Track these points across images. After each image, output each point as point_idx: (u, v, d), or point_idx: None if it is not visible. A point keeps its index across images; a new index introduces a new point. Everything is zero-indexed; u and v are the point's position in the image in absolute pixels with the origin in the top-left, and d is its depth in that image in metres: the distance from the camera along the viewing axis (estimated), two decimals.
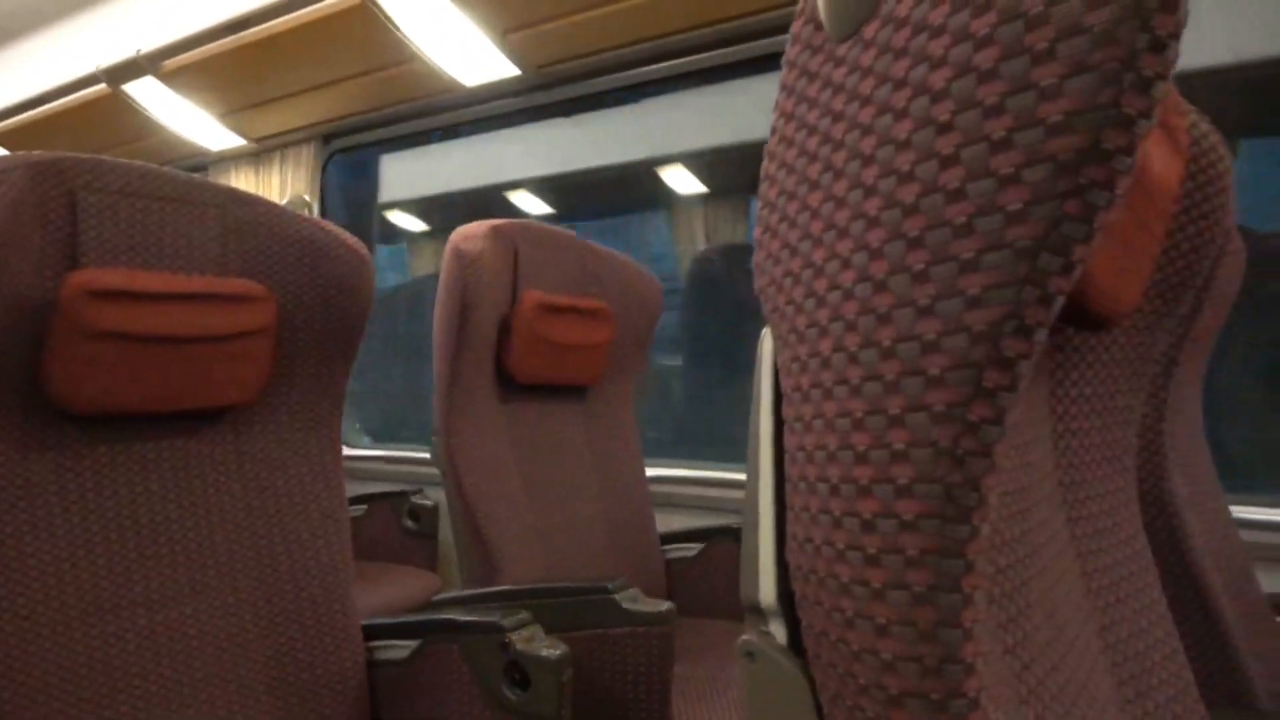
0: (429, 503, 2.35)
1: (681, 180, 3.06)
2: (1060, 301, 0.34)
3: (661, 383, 2.95)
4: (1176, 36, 0.32)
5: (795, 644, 0.46)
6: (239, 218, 1.13)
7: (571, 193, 3.57)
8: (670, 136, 2.97)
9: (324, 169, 2.85)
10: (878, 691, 0.37)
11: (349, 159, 3.05)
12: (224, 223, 1.12)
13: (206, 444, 1.14)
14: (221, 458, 1.15)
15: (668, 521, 1.97)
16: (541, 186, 3.53)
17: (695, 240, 2.97)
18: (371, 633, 1.24)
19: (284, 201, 2.73)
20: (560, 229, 1.65)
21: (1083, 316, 0.57)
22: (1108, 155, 0.32)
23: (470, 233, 1.49)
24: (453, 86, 2.32)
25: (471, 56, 2.16)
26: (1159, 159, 0.58)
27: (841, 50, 0.42)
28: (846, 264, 0.39)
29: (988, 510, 0.36)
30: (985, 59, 0.34)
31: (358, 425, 3.08)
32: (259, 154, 2.89)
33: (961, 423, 0.34)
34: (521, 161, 3.40)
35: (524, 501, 1.52)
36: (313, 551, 1.20)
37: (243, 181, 2.90)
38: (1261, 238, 1.93)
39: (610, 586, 1.25)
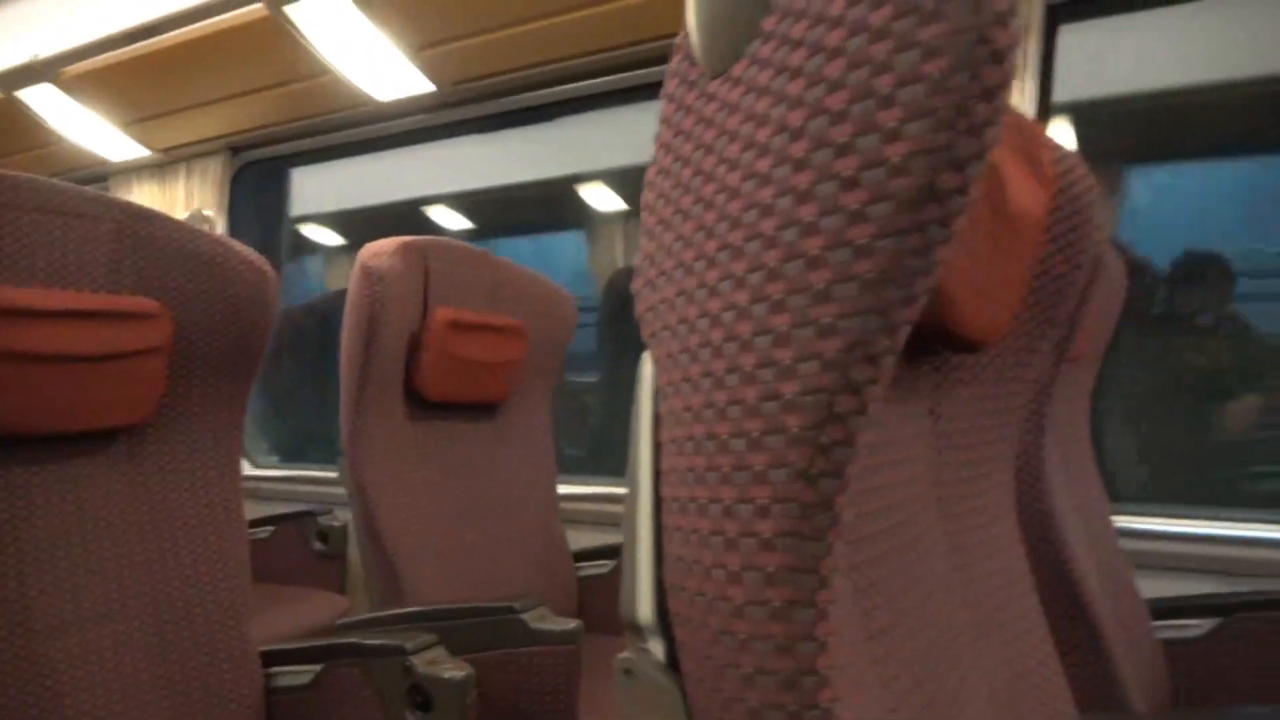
0: (338, 523, 2.30)
1: (603, 198, 3.08)
2: (905, 331, 0.36)
3: (578, 400, 2.95)
4: (1005, 86, 0.34)
5: (673, 661, 0.47)
6: (134, 232, 1.10)
7: (492, 209, 3.56)
8: (591, 154, 2.99)
9: (233, 182, 2.79)
10: (739, 705, 0.39)
11: (261, 172, 2.99)
12: (118, 237, 1.08)
13: (96, 466, 1.10)
14: (112, 480, 1.11)
15: (581, 539, 1.97)
16: (461, 202, 3.51)
17: (615, 257, 2.99)
18: (271, 659, 1.21)
19: (184, 216, 2.65)
20: (472, 246, 1.65)
21: (958, 340, 0.60)
22: (944, 195, 0.34)
23: (379, 249, 1.47)
24: (366, 101, 2.30)
25: (385, 72, 2.14)
26: (1024, 192, 0.61)
27: (714, 86, 0.43)
28: (714, 292, 0.41)
29: (841, 528, 0.38)
30: (837, 101, 0.36)
31: (265, 444, 3.00)
32: (163, 165, 2.80)
33: (814, 445, 0.36)
34: (440, 177, 3.37)
35: (433, 521, 1.51)
36: (208, 576, 1.17)
37: (146, 194, 2.81)
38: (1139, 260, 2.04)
39: (517, 606, 1.25)
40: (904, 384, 0.63)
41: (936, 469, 0.71)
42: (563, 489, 1.85)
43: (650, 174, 0.48)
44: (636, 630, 0.47)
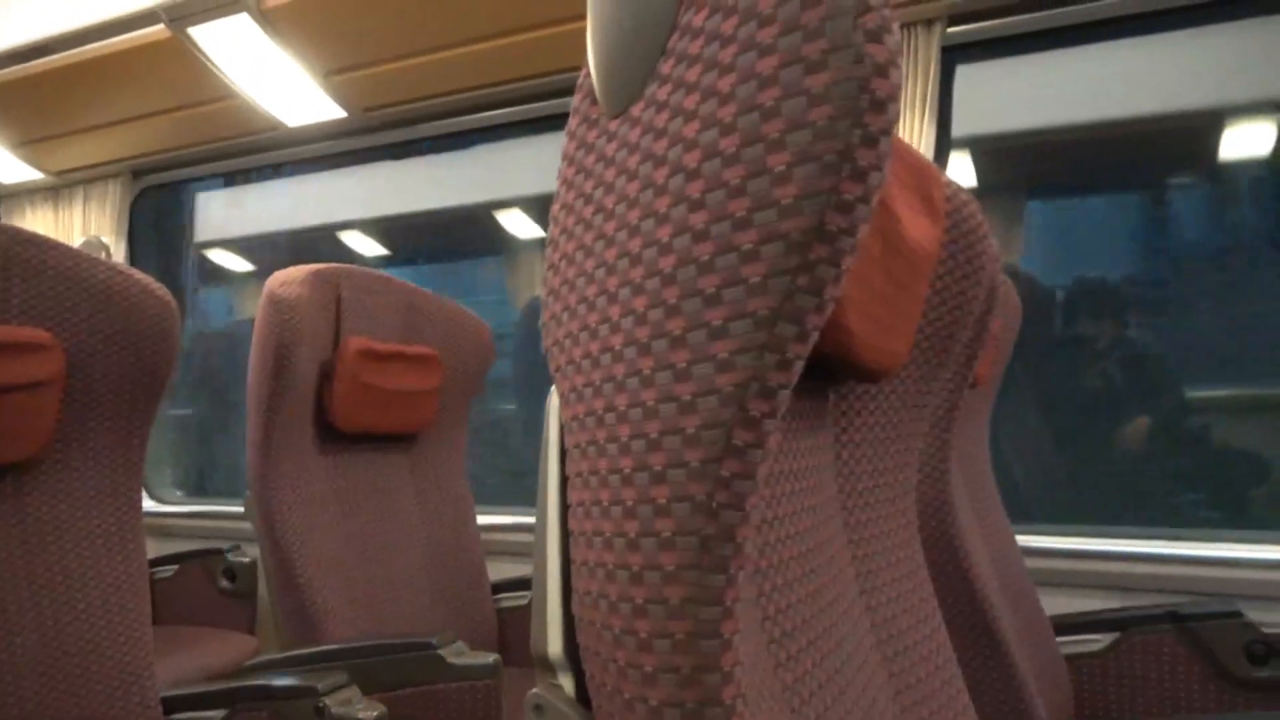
0: (247, 560, 2.22)
1: (522, 225, 3.07)
2: (799, 365, 0.37)
3: (499, 429, 2.92)
4: (888, 132, 0.36)
5: (583, 696, 0.47)
6: (22, 259, 1.05)
7: (409, 235, 3.51)
8: (510, 181, 2.99)
9: (134, 207, 2.69)
10: None
11: (164, 196, 2.89)
12: (3, 264, 1.04)
13: None
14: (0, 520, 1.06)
15: (502, 569, 1.94)
16: (376, 228, 3.46)
17: (534, 284, 2.98)
18: (174, 704, 1.16)
19: (79, 243, 2.55)
20: (385, 274, 1.62)
21: (859, 371, 0.62)
22: (832, 236, 0.35)
23: (288, 278, 1.44)
24: (275, 125, 2.25)
25: (294, 96, 2.10)
26: (917, 227, 0.64)
27: (613, 126, 0.44)
28: (616, 328, 0.41)
29: (744, 559, 0.38)
30: (729, 144, 0.37)
31: (170, 478, 2.89)
32: (58, 189, 2.69)
33: (715, 478, 0.37)
34: (355, 202, 3.32)
35: (345, 556, 1.47)
36: (105, 620, 1.11)
37: (39, 219, 2.69)
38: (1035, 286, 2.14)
39: (434, 641, 1.22)
40: (809, 414, 0.65)
41: (843, 496, 0.73)
42: (482, 519, 1.82)
43: (554, 209, 0.49)
44: (546, 665, 0.47)
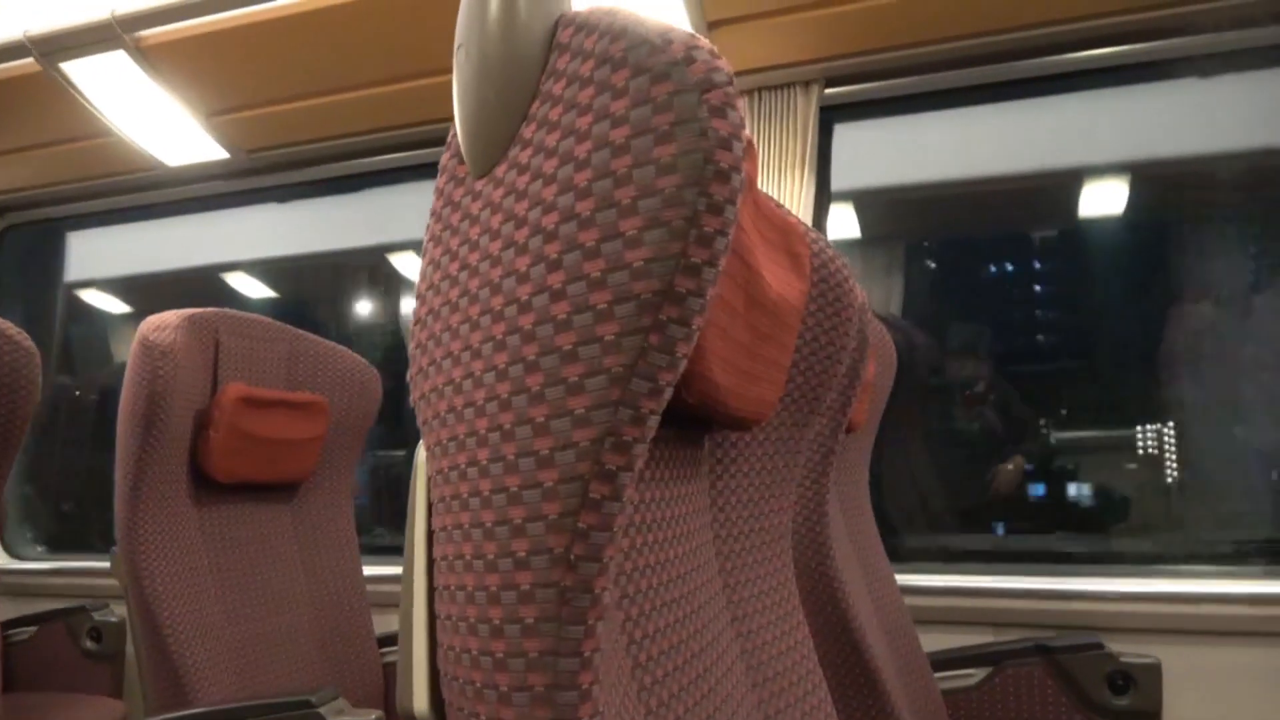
0: (114, 619, 2.09)
1: (415, 267, 3.04)
2: (654, 420, 0.39)
3: (389, 474, 2.86)
4: (732, 201, 0.38)
5: None
6: None
7: (298, 277, 3.43)
8: (403, 224, 2.97)
9: None
10: None
11: (32, 235, 2.75)
12: None
13: None
14: None
15: (388, 622, 1.89)
16: (264, 270, 3.37)
17: None
18: None
19: None
20: (266, 319, 1.58)
21: (728, 420, 0.64)
22: (681, 297, 0.37)
23: (162, 322, 1.39)
24: (154, 165, 2.18)
25: (174, 136, 2.04)
26: (781, 282, 0.67)
27: (479, 185, 0.45)
28: (479, 383, 0.42)
29: (602, 609, 0.39)
30: (585, 208, 0.39)
31: (29, 534, 2.70)
32: None
33: (572, 530, 0.38)
34: (241, 243, 3.23)
35: (220, 613, 1.40)
36: None
37: None
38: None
39: (314, 700, 1.18)
40: (684, 462, 0.67)
41: (719, 540, 0.75)
42: (369, 570, 1.77)
43: (422, 264, 0.49)
44: None
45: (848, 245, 2.45)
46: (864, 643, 1.06)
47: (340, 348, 1.68)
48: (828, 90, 1.86)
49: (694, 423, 0.68)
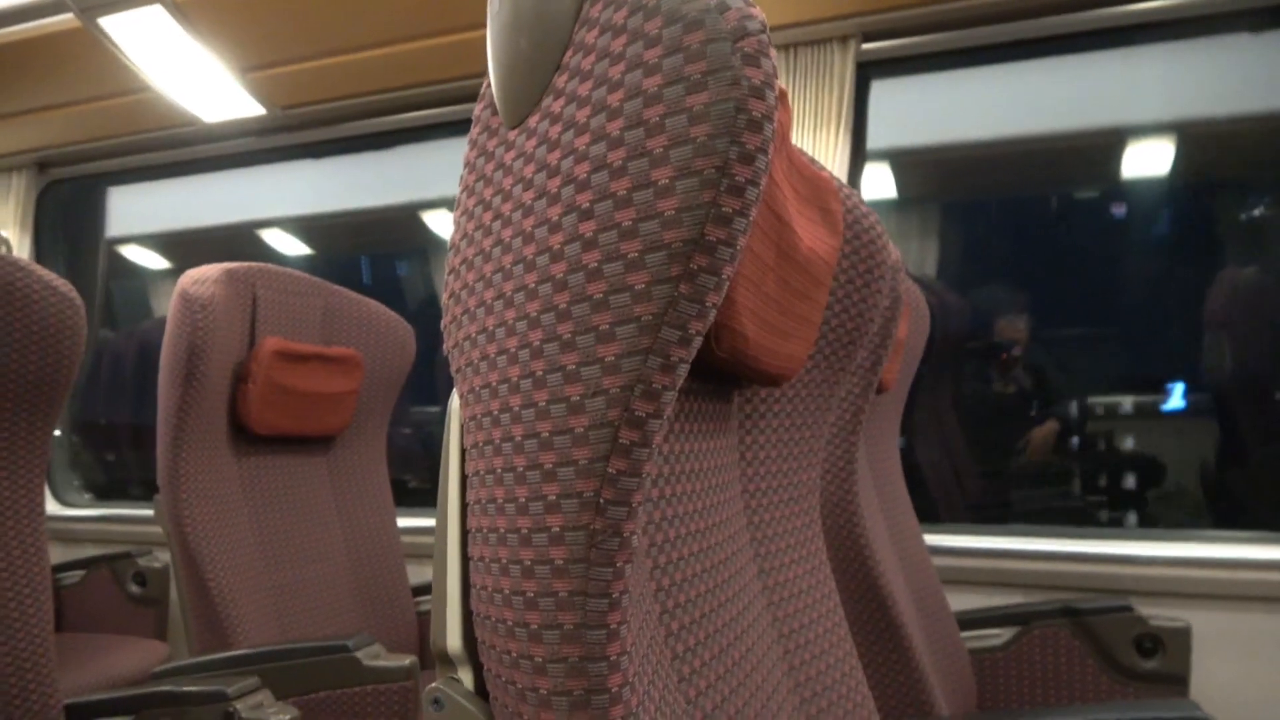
0: (158, 565, 2.16)
1: (448, 225, 3.05)
2: (684, 369, 0.39)
3: (423, 430, 2.90)
4: (764, 150, 0.38)
5: (481, 689, 0.48)
6: None
7: (334, 234, 3.46)
8: (434, 181, 2.97)
9: (40, 201, 2.59)
10: None
11: (74, 190, 2.79)
12: None
13: None
14: None
15: (422, 573, 1.93)
16: (299, 226, 3.40)
17: None
18: (77, 712, 1.13)
19: None
20: (303, 274, 1.60)
21: (757, 375, 0.65)
22: (711, 246, 0.37)
23: (201, 276, 1.41)
24: (191, 121, 2.20)
25: (211, 91, 2.05)
26: (814, 237, 0.67)
27: (512, 135, 0.46)
28: (511, 331, 0.43)
29: (631, 553, 0.40)
30: (617, 157, 0.39)
31: (77, 482, 2.79)
32: None
33: (601, 476, 0.39)
34: (276, 200, 3.26)
35: (259, 561, 1.44)
36: (3, 628, 1.08)
37: None
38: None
39: (350, 645, 1.21)
40: (714, 416, 0.67)
41: (747, 495, 0.76)
42: (404, 522, 1.81)
43: (456, 215, 0.50)
44: (446, 660, 0.48)
45: (884, 205, 2.42)
46: (890, 600, 1.07)
47: (374, 303, 1.70)
48: (865, 45, 1.83)
49: (724, 377, 0.69)
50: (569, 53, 0.43)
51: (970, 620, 1.44)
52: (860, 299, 0.83)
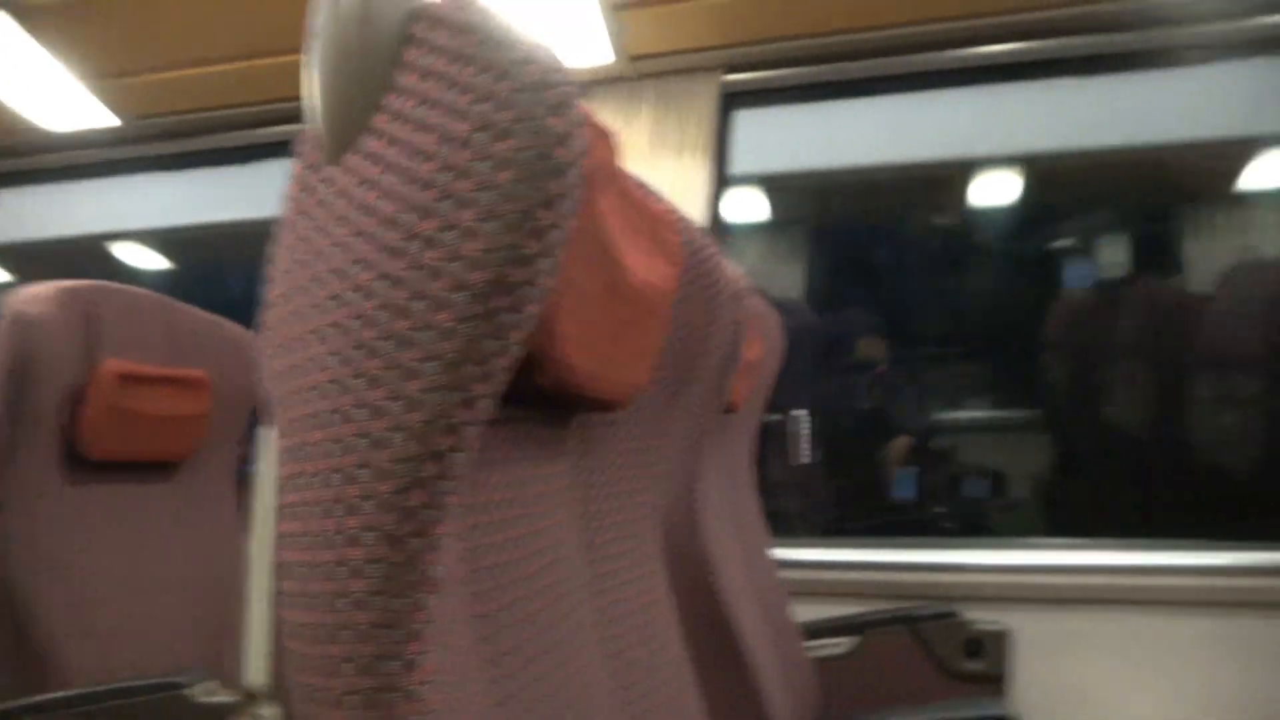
0: None
1: None
2: (486, 404, 0.41)
3: None
4: (567, 194, 0.40)
5: None
6: None
7: (197, 248, 3.32)
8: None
9: None
10: None
11: None
12: None
13: None
14: None
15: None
16: (156, 240, 3.24)
17: None
18: None
19: None
20: (147, 291, 1.53)
21: (593, 402, 0.67)
22: (513, 286, 0.39)
23: (34, 295, 1.33)
24: (31, 129, 2.08)
25: (58, 100, 1.95)
26: (646, 267, 0.70)
27: (330, 171, 0.46)
28: (323, 366, 0.43)
29: (434, 584, 0.41)
30: (427, 199, 0.40)
31: None
32: None
33: (401, 509, 0.40)
34: (131, 213, 3.10)
35: (89, 594, 1.36)
36: None
37: None
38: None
39: (182, 681, 1.16)
40: (545, 443, 0.69)
41: (586, 518, 0.77)
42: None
43: (274, 247, 0.50)
44: (252, 696, 0.48)
45: (753, 229, 2.50)
46: (733, 617, 1.11)
47: (223, 320, 1.64)
48: (728, 77, 1.90)
49: (559, 404, 0.70)
50: (390, 96, 0.44)
51: (815, 630, 1.50)
52: (700, 324, 0.86)
